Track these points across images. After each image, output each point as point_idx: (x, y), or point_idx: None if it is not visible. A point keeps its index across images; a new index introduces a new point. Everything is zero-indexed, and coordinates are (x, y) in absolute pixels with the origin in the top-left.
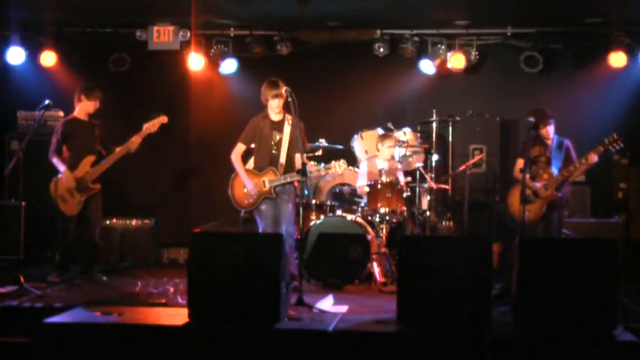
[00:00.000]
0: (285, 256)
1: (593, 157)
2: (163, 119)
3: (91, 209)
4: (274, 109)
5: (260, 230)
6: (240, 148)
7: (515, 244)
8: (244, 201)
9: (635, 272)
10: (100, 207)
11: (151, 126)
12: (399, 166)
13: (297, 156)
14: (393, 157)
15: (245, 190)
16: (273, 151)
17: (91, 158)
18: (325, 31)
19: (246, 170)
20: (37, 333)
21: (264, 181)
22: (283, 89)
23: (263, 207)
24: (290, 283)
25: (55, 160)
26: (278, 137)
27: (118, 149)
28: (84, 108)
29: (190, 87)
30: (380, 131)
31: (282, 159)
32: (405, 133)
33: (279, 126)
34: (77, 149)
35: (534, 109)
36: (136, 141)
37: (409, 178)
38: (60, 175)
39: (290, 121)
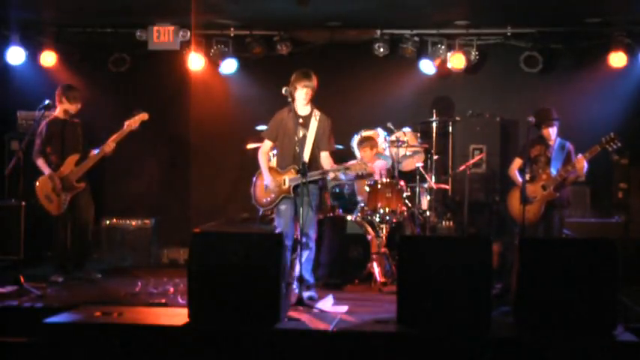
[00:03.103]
0: (285, 256)
1: (582, 161)
2: (144, 116)
3: (79, 208)
4: (301, 100)
5: (277, 230)
6: (266, 145)
7: (515, 244)
8: (262, 199)
9: (635, 272)
10: (89, 205)
11: (132, 123)
12: (382, 162)
13: (323, 155)
14: (378, 157)
15: (265, 188)
16: (297, 148)
17: (75, 157)
18: (325, 31)
19: (270, 168)
20: (37, 333)
21: (284, 180)
22: (314, 81)
23: (282, 207)
24: (290, 284)
25: (40, 162)
26: (302, 133)
27: (99, 150)
28: (66, 109)
29: (190, 87)
30: (380, 131)
31: (306, 157)
32: (405, 133)
33: (305, 121)
34: (61, 149)
35: (540, 108)
36: (111, 144)
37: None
38: (44, 175)
39: (317, 117)
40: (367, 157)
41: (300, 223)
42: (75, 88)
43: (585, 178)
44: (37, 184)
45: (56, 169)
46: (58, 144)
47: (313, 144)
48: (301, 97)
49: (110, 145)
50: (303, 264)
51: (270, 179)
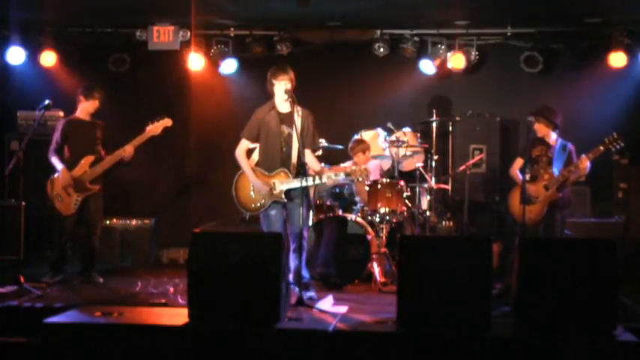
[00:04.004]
0: (286, 256)
1: (586, 161)
2: (167, 122)
3: (89, 210)
4: (281, 95)
5: None
6: (244, 144)
7: (515, 244)
8: (251, 204)
9: (635, 272)
10: (100, 209)
11: (155, 129)
12: (375, 163)
13: (307, 153)
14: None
15: (251, 192)
16: (283, 149)
17: (90, 158)
18: (325, 31)
19: (253, 169)
20: (37, 333)
21: (274, 184)
22: (292, 74)
23: (272, 212)
24: (288, 284)
25: (54, 159)
26: (287, 131)
27: (116, 153)
28: (84, 108)
29: (190, 87)
30: (380, 131)
31: (294, 158)
32: (405, 133)
33: (288, 118)
34: (77, 149)
35: (544, 105)
36: (129, 148)
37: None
38: (57, 174)
39: (300, 113)
40: (361, 161)
41: (300, 223)
42: (93, 86)
43: (586, 178)
44: (49, 182)
45: (70, 169)
46: (73, 143)
47: (299, 142)
48: (280, 91)
49: (128, 149)
50: (301, 264)
51: (259, 183)
